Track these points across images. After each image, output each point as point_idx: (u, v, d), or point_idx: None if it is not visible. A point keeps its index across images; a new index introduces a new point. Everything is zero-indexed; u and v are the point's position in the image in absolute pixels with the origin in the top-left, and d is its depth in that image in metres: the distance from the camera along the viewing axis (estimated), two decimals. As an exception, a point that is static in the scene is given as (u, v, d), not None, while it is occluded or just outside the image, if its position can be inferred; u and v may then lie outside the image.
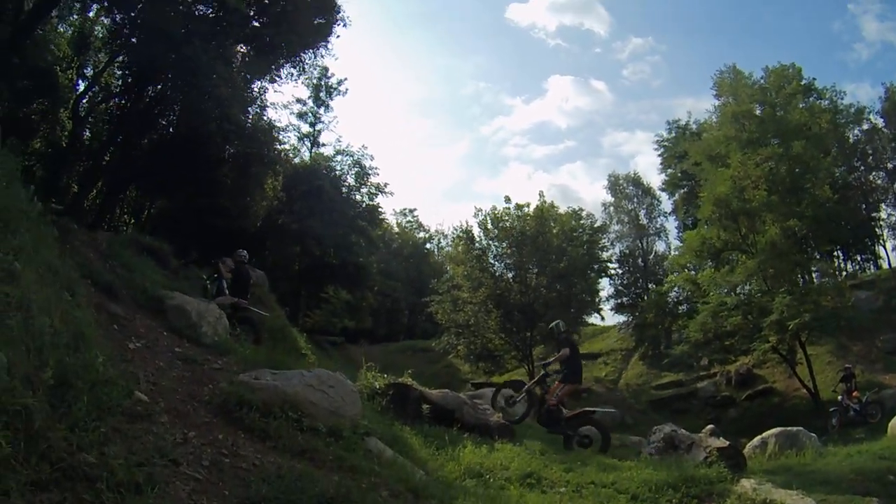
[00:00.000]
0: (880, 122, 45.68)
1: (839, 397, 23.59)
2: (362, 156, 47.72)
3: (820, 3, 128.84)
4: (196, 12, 23.55)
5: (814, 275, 39.22)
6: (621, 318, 52.60)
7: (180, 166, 26.31)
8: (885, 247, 48.42)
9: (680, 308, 40.29)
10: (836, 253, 46.24)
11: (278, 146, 38.14)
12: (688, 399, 36.30)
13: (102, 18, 26.71)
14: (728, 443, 12.02)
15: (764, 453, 14.71)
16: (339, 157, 47.90)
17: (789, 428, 15.81)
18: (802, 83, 38.31)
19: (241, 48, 26.71)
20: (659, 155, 58.61)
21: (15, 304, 4.99)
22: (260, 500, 5.15)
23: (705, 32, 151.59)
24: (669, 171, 56.26)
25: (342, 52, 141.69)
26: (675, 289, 41.17)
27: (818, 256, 38.01)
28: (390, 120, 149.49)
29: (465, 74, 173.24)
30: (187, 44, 20.93)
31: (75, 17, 27.83)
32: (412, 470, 7.94)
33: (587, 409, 15.50)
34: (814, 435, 15.75)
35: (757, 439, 15.67)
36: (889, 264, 45.99)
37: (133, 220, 35.48)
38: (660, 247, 58.94)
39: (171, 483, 4.85)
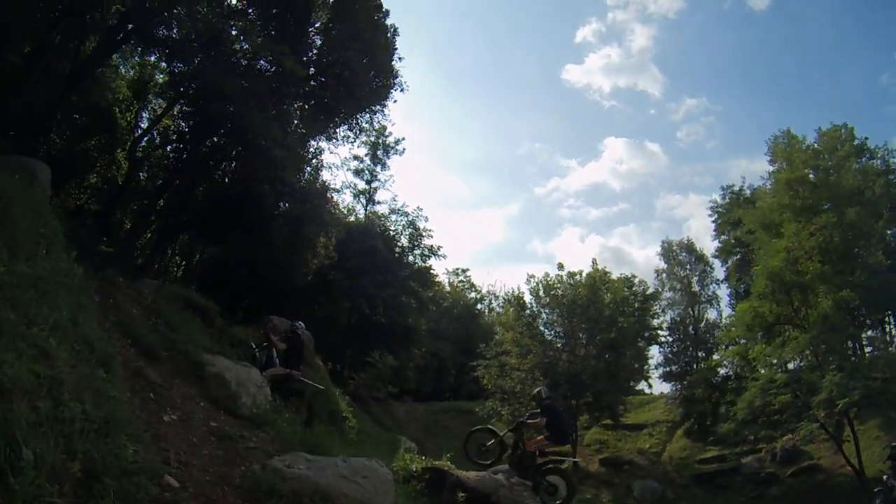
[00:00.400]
0: None
1: (884, 476, 22.86)
2: (416, 217, 48.22)
3: (868, 55, 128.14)
4: (253, 71, 23.82)
5: (865, 345, 38.34)
6: (668, 386, 52.11)
7: (234, 218, 26.53)
8: None
9: (729, 383, 39.53)
10: (887, 320, 45.22)
11: (332, 209, 38.46)
12: (731, 475, 35.32)
13: (163, 64, 27.03)
14: None
15: None
16: (393, 217, 48.48)
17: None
18: (855, 143, 38.30)
19: (299, 104, 26.93)
20: (713, 220, 58.15)
21: (46, 386, 4.93)
22: None
23: (757, 91, 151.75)
24: (723, 237, 55.84)
25: (400, 110, 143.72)
26: (725, 363, 40.71)
27: (869, 325, 37.34)
28: (445, 179, 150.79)
29: (521, 135, 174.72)
30: (243, 103, 21.19)
31: (137, 59, 28.27)
32: None
33: (555, 458, 15.23)
34: None
35: None
36: None
37: (184, 263, 35.84)
38: (711, 314, 58.26)
39: None
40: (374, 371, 36.27)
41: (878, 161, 41.38)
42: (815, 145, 37.45)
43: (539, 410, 15.17)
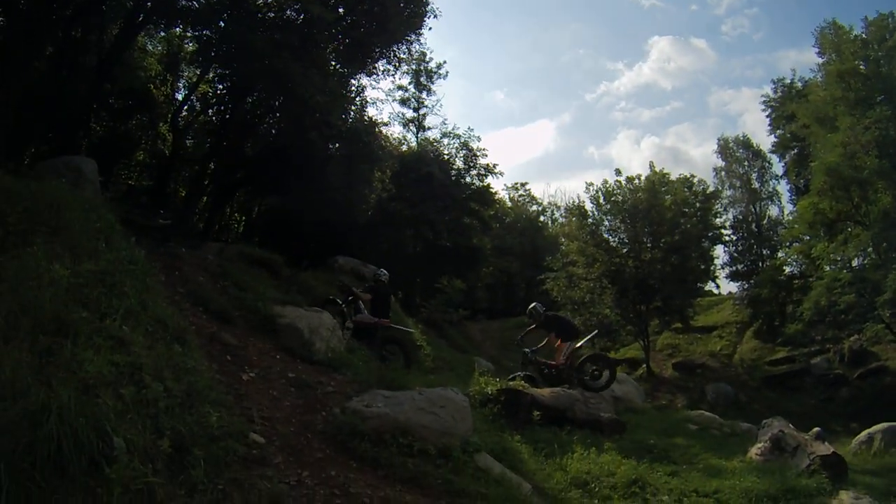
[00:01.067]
0: None
1: None
2: (469, 137, 47.68)
3: None
4: (281, 23, 23.54)
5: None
6: (736, 286, 51.77)
7: (286, 167, 26.74)
8: None
9: (795, 282, 39.27)
10: None
11: (383, 142, 38.47)
12: (801, 376, 35.15)
13: (189, 33, 26.97)
14: (832, 450, 11.76)
15: (870, 450, 14.63)
16: (445, 141, 47.93)
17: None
18: None
19: (333, 45, 26.76)
20: (767, 115, 56.52)
21: (127, 373, 5.29)
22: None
23: None
24: (779, 132, 54.29)
25: (436, 36, 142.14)
26: (790, 261, 40.31)
27: None
28: (490, 97, 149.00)
29: (562, 44, 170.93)
30: (276, 56, 21.13)
31: (162, 33, 28.43)
32: (519, 486, 8.04)
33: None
34: None
35: (864, 434, 15.55)
36: None
37: (244, 219, 36.30)
38: (773, 211, 57.20)
39: None
40: (445, 296, 36.63)
41: None
42: (864, 35, 36.43)
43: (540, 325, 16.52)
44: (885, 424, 15.57)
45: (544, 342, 16.52)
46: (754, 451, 12.61)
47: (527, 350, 16.18)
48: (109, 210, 9.80)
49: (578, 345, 15.93)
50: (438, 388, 9.71)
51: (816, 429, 13.73)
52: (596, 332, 21.78)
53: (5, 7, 20.05)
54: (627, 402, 18.89)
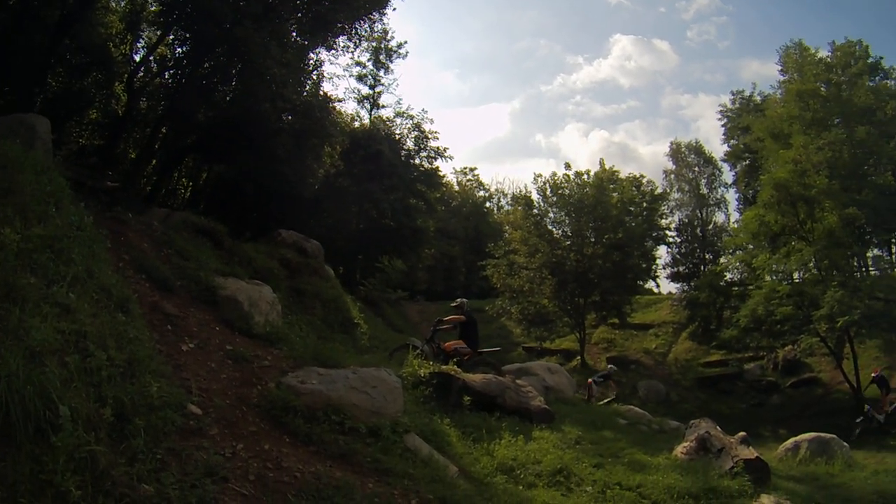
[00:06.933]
0: None
1: (866, 407, 23.57)
2: (422, 119, 47.84)
3: None
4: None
5: (870, 264, 38.72)
6: (675, 287, 52.70)
7: (237, 137, 26.43)
8: None
9: (734, 289, 40.04)
10: (894, 241, 45.40)
11: (335, 118, 38.32)
12: (733, 380, 36.54)
13: (152, -7, 26.59)
14: (756, 454, 12.12)
15: (795, 457, 15.16)
16: (398, 120, 48.10)
17: (823, 434, 16.06)
18: (869, 62, 37.69)
19: (296, 16, 26.52)
20: (722, 125, 57.82)
21: (72, 341, 5.40)
22: (299, 515, 5.50)
23: None
24: (732, 142, 55.44)
25: (398, 11, 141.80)
26: (731, 268, 41.07)
27: (875, 244, 37.56)
28: (446, 76, 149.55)
29: (524, 30, 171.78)
30: (238, 23, 20.96)
31: (126, -9, 27.82)
32: (445, 468, 8.25)
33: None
34: (846, 445, 15.98)
35: (790, 442, 16.14)
36: None
37: (191, 185, 35.86)
38: (719, 217, 58.33)
39: (220, 501, 5.28)
40: (385, 275, 36.78)
41: (893, 82, 41.02)
42: (829, 59, 37.14)
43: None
44: (812, 434, 16.19)
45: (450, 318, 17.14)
46: (680, 449, 12.96)
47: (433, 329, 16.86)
48: (61, 172, 9.79)
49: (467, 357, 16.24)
50: (372, 367, 9.95)
51: (742, 433, 14.13)
52: (498, 349, 22.45)
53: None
54: (559, 393, 19.21)
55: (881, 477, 13.92)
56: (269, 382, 8.52)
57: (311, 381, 8.59)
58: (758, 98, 53.56)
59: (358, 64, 47.42)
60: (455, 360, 15.12)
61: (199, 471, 5.49)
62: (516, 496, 8.52)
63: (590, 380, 27.20)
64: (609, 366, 29.98)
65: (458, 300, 17.97)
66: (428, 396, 11.95)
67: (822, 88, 34.22)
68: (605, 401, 24.36)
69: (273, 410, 7.72)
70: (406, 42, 48.84)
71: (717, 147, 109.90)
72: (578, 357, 40.27)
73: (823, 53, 37.66)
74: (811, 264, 32.15)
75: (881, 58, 40.31)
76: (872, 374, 24.58)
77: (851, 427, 22.37)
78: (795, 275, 34.97)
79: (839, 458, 14.72)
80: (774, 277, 33.61)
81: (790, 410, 31.59)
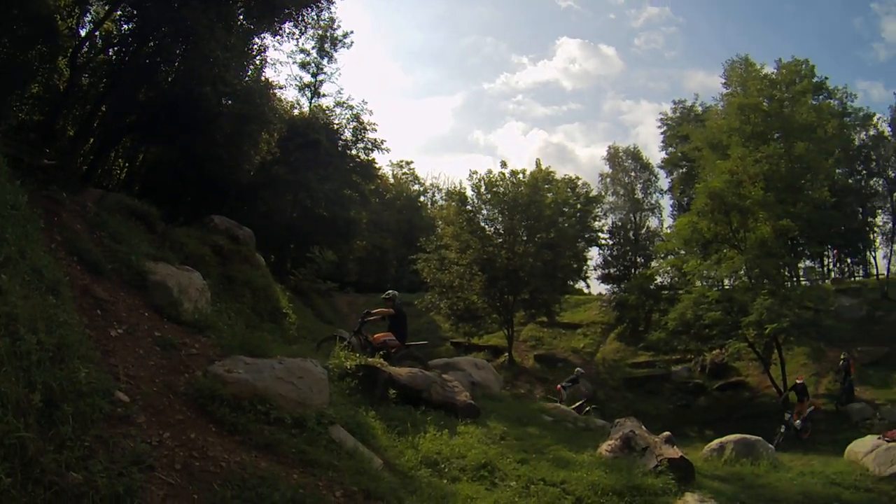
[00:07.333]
0: (887, 130, 45.85)
1: (786, 415, 24.13)
2: (361, 110, 47.74)
3: None
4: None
5: (801, 274, 39.72)
6: (606, 288, 53.41)
7: (176, 118, 26.30)
8: (875, 256, 48.95)
9: (664, 293, 40.98)
10: (826, 254, 46.71)
11: (275, 105, 38.11)
12: (660, 381, 37.56)
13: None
14: (680, 454, 12.45)
15: (721, 458, 15.46)
16: (338, 110, 47.86)
17: (748, 436, 16.45)
18: (814, 80, 38.66)
19: (245, 1, 26.35)
20: (661, 132, 58.96)
21: (3, 323, 5.38)
22: (225, 505, 5.57)
23: (725, 9, 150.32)
24: (670, 149, 56.71)
25: (349, 2, 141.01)
26: (661, 273, 41.81)
27: (808, 256, 38.66)
28: (391, 67, 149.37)
29: (471, 27, 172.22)
30: (186, 5, 20.78)
31: (76, -37, 27.29)
32: (370, 461, 8.31)
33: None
34: (771, 446, 16.43)
35: (716, 443, 16.41)
36: (877, 273, 46.23)
37: (127, 166, 35.32)
38: (653, 222, 59.54)
39: (147, 490, 5.30)
40: (316, 266, 36.73)
41: (836, 102, 42.29)
42: (774, 75, 37.98)
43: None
44: (738, 435, 16.55)
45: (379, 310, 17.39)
46: (605, 447, 13.22)
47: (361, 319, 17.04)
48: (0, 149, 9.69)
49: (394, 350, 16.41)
50: (299, 358, 9.94)
51: (666, 433, 14.37)
52: (426, 343, 22.74)
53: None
54: (485, 389, 19.37)
55: (807, 478, 14.35)
56: (196, 371, 8.47)
57: (238, 370, 8.56)
58: (699, 109, 55.08)
59: (302, 51, 47.35)
60: (382, 352, 15.40)
61: (126, 459, 5.48)
62: (441, 490, 8.66)
63: (559, 385, 27.63)
64: (577, 369, 30.28)
65: (389, 293, 18.07)
66: (354, 388, 12.04)
67: (764, 103, 35.24)
68: (576, 405, 24.76)
69: (200, 399, 7.67)
70: (352, 32, 48.72)
71: (654, 154, 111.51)
72: (506, 354, 40.79)
73: (769, 70, 38.91)
74: (742, 272, 33.23)
75: (826, 78, 42.28)
76: (796, 381, 25.20)
77: (775, 433, 22.87)
78: (726, 282, 36.05)
79: (764, 460, 15.11)
80: (704, 283, 34.55)
81: (717, 413, 32.50)
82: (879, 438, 17.00)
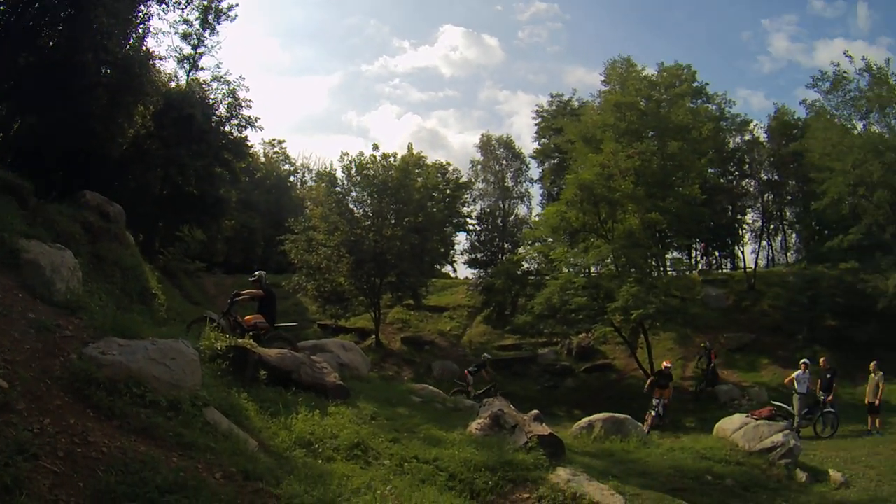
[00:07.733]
0: (763, 136, 47.56)
1: (654, 400, 24.78)
2: (238, 86, 46.62)
3: (735, 12, 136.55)
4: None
5: (668, 265, 41.21)
6: (473, 273, 54.08)
7: (54, 87, 25.14)
8: (743, 250, 51.09)
9: (530, 278, 42.20)
10: (694, 247, 48.66)
11: (153, 77, 37.22)
12: (527, 363, 38.34)
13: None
14: (549, 431, 12.96)
15: (590, 435, 16.24)
16: (214, 84, 46.32)
17: (617, 414, 17.25)
18: (694, 85, 40.24)
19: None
20: (536, 124, 59.87)
21: None
22: (109, 492, 5.73)
23: (614, 11, 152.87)
24: (543, 140, 57.55)
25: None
26: (528, 259, 42.84)
27: (675, 247, 40.18)
28: (270, 42, 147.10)
29: (355, 6, 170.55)
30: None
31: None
32: (246, 442, 8.51)
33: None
34: (640, 424, 17.29)
35: (585, 421, 17.19)
36: (745, 267, 48.31)
37: (1, 135, 34.07)
38: (521, 210, 60.22)
39: (33, 479, 5.35)
40: (185, 245, 36.32)
41: (714, 106, 43.95)
42: (654, 77, 39.37)
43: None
44: (606, 414, 17.43)
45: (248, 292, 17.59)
46: (474, 425, 13.61)
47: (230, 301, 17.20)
48: None
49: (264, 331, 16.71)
50: (170, 339, 9.94)
51: (535, 411, 14.97)
52: (295, 324, 23.22)
53: None
54: (353, 370, 19.75)
55: (677, 454, 15.31)
56: (71, 353, 8.38)
57: (112, 352, 8.54)
58: (576, 103, 56.05)
59: (185, 21, 45.78)
60: (252, 334, 15.58)
61: (10, 448, 5.51)
62: (316, 469, 8.84)
63: (466, 371, 28.59)
64: (484, 355, 31.27)
65: (257, 273, 18.20)
66: (225, 370, 12.14)
67: (641, 102, 36.47)
68: (482, 390, 25.51)
69: (76, 383, 7.63)
70: (237, 4, 47.19)
71: (527, 144, 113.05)
72: (373, 336, 41.19)
73: (650, 72, 40.18)
74: (609, 261, 34.63)
75: (706, 84, 44.11)
76: (664, 365, 26.15)
77: (644, 418, 23.55)
78: (592, 269, 37.10)
79: (634, 437, 15.99)
80: (571, 270, 35.51)
81: (584, 394, 33.86)
82: (748, 417, 18.15)
